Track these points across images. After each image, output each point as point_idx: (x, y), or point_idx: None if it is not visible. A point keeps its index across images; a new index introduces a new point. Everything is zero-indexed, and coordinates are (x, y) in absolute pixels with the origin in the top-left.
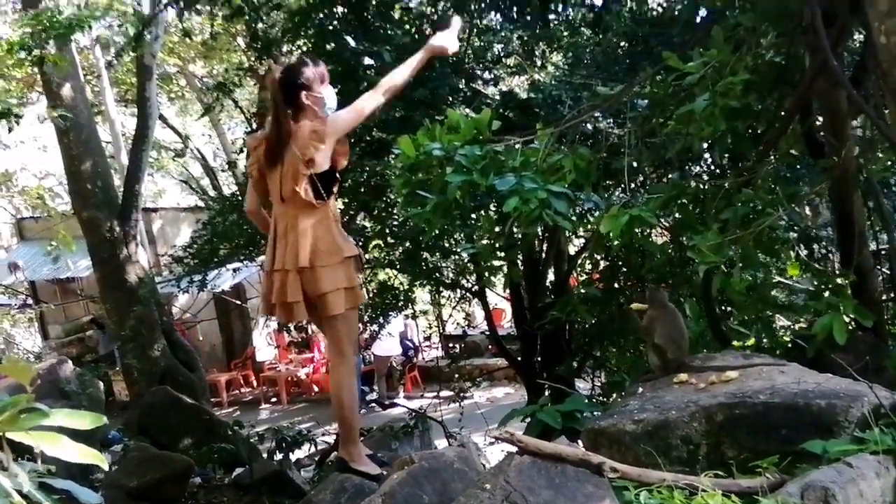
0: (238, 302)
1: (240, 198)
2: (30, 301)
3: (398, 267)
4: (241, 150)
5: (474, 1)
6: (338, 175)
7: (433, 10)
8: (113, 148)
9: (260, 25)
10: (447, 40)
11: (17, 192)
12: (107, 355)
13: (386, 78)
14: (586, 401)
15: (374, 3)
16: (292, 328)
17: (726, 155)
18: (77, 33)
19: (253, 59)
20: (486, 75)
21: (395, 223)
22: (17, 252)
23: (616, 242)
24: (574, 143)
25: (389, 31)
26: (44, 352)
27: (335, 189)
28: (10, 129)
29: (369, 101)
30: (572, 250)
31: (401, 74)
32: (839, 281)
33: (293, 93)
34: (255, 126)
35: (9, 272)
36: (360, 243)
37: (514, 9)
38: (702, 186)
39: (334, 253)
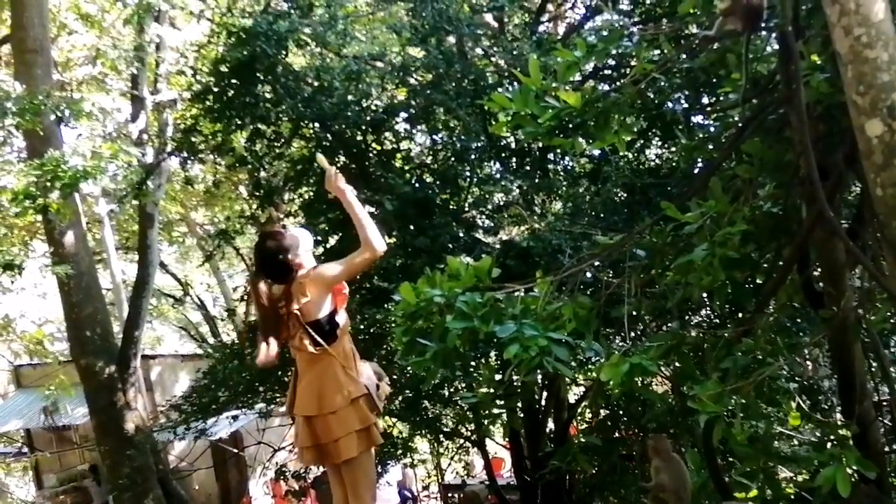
0: (235, 450)
1: (237, 346)
2: (25, 450)
3: (398, 415)
4: (242, 299)
5: (474, 151)
6: (337, 319)
7: (434, 159)
8: (113, 295)
9: (262, 174)
10: (331, 181)
11: (17, 337)
12: None
13: (362, 236)
14: None
15: (374, 152)
16: (290, 477)
17: (725, 305)
18: (83, 183)
19: (255, 206)
20: (487, 224)
21: (395, 371)
22: (15, 400)
23: (616, 391)
24: (574, 292)
25: (391, 181)
26: (38, 501)
27: (339, 332)
28: (12, 281)
29: (358, 259)
30: (572, 399)
31: (364, 229)
32: (841, 432)
33: (278, 264)
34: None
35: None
36: None
37: (514, 159)
38: (702, 336)
39: (341, 397)
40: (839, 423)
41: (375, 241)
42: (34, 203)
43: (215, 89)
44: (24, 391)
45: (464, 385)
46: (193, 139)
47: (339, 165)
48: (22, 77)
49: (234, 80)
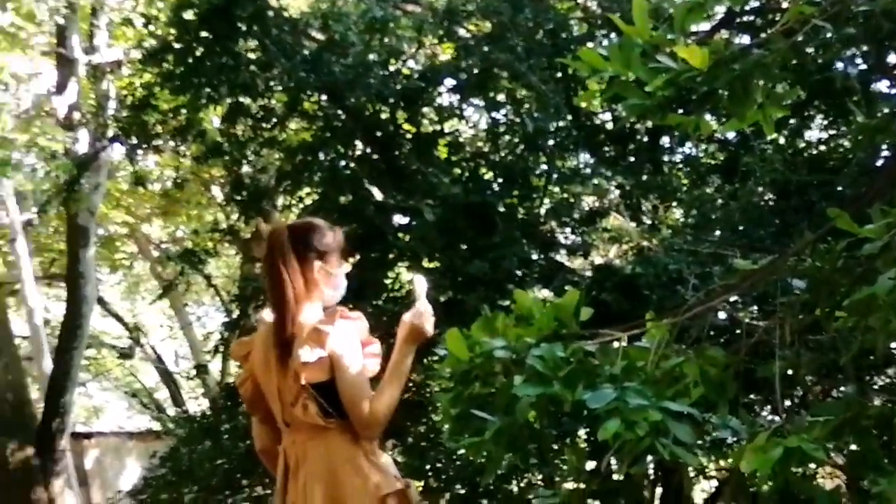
0: None
1: (210, 420)
2: None
3: None
4: (217, 350)
5: (553, 134)
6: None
7: (494, 146)
8: (31, 346)
9: (245, 169)
10: (420, 316)
11: None
12: None
13: (379, 401)
14: None
15: (408, 136)
16: None
17: None
18: None
19: (234, 216)
20: (572, 240)
21: (441, 457)
22: None
23: (765, 486)
24: (701, 341)
25: (431, 178)
26: None
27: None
28: None
29: (356, 404)
30: (700, 497)
31: (383, 397)
32: None
33: (300, 260)
34: (236, 315)
35: None
36: None
37: (612, 145)
38: (890, 406)
39: (364, 493)
40: None
41: (373, 425)
42: None
43: (177, 46)
44: None
45: (540, 478)
46: (146, 118)
47: (357, 155)
48: None
49: (204, 34)
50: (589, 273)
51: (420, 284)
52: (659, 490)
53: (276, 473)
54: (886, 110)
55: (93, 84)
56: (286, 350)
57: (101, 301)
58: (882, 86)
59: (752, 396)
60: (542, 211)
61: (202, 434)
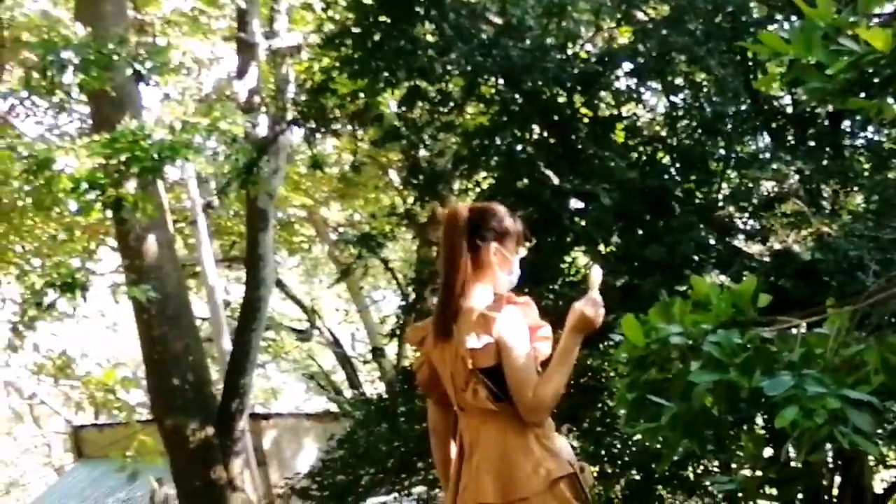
0: None
1: (387, 402)
2: None
3: None
4: (394, 334)
5: (732, 118)
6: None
7: (672, 130)
8: (211, 327)
9: (422, 153)
10: (591, 306)
11: (80, 384)
12: None
13: (543, 388)
14: None
15: (585, 120)
16: None
17: None
18: (170, 165)
19: (411, 200)
20: (750, 226)
21: (616, 443)
22: (75, 474)
23: None
24: (882, 328)
25: (608, 162)
26: None
27: None
28: (74, 308)
29: (521, 388)
30: (880, 487)
31: (550, 383)
32: None
33: (476, 241)
34: (412, 299)
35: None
36: None
37: (792, 130)
38: None
39: (535, 477)
40: None
41: (537, 410)
42: (102, 195)
43: (356, 31)
44: (88, 462)
45: (717, 464)
46: (324, 102)
47: (534, 139)
48: (85, 16)
49: (382, 18)
50: (767, 259)
51: (596, 274)
52: (838, 479)
53: (437, 453)
54: None
55: (272, 68)
56: (446, 330)
57: (279, 283)
58: None
59: None
60: (720, 196)
61: (379, 416)
